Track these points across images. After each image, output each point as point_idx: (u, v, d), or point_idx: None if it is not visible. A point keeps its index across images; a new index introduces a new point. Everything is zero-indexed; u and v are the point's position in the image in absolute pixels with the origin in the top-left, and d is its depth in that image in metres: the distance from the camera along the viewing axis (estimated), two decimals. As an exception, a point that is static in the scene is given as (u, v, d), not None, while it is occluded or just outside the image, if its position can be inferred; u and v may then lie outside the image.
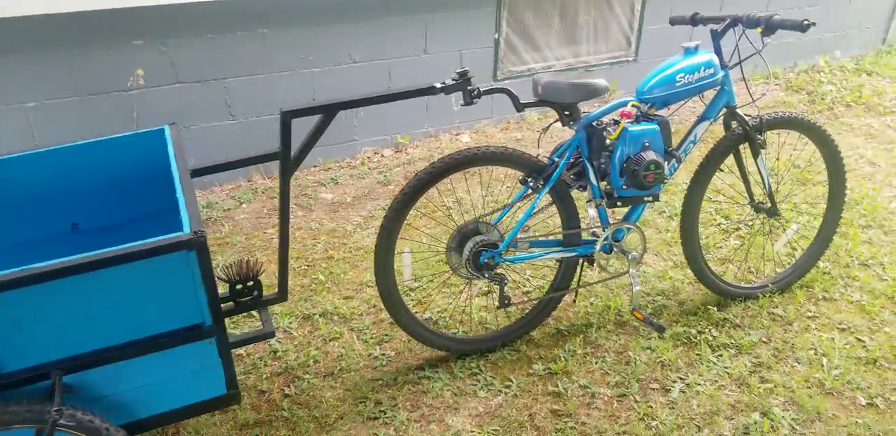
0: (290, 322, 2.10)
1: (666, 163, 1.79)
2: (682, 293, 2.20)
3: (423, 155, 3.26)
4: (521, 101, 1.69)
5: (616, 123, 1.74)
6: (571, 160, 1.80)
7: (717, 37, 1.80)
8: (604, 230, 1.86)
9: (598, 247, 1.86)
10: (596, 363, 1.89)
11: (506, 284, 1.83)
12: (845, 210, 2.64)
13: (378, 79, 3.18)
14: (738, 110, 1.88)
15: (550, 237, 1.92)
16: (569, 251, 1.87)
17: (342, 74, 3.08)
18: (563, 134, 3.36)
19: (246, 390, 1.82)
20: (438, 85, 1.59)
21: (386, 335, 2.03)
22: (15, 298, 1.15)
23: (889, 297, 2.16)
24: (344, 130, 3.20)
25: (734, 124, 1.90)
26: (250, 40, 2.84)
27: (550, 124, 1.89)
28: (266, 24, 2.84)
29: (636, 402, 1.75)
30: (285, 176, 1.58)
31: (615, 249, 1.90)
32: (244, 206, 2.87)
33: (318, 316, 2.13)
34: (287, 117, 1.51)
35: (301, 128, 1.56)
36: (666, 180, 1.83)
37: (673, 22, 1.92)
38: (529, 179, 1.78)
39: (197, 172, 1.62)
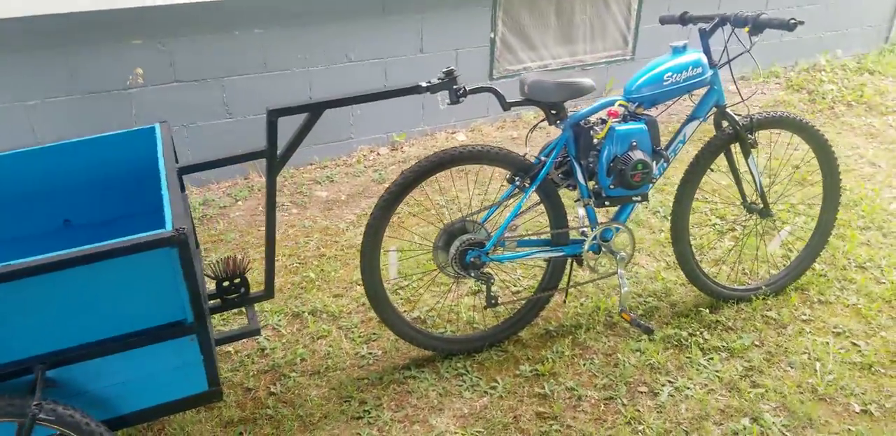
0: (280, 320, 2.10)
1: (654, 162, 1.78)
2: (674, 295, 2.19)
3: (419, 153, 3.27)
4: (508, 101, 1.69)
5: (603, 122, 1.73)
6: (559, 159, 1.80)
7: (705, 36, 1.78)
8: (592, 230, 1.85)
9: (586, 247, 1.85)
10: (584, 365, 1.88)
11: (492, 284, 1.82)
12: (844, 211, 2.61)
13: (375, 78, 3.19)
14: (729, 109, 1.87)
15: (538, 237, 1.91)
16: (556, 251, 1.87)
17: (339, 74, 3.09)
18: (556, 133, 3.35)
19: (232, 387, 1.83)
20: (424, 84, 1.59)
21: (374, 334, 2.03)
22: (-3, 294, 1.16)
23: (886, 300, 2.13)
24: (340, 128, 3.21)
25: (725, 124, 1.89)
26: (248, 40, 2.85)
27: (537, 124, 1.89)
28: (263, 24, 2.86)
29: (623, 405, 1.74)
30: (271, 174, 1.59)
31: (604, 249, 1.89)
32: (240, 203, 2.89)
33: (307, 314, 2.13)
34: (273, 116, 1.52)
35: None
36: (654, 180, 1.82)
37: (663, 21, 1.91)
38: (516, 178, 1.77)
39: (185, 170, 1.63)
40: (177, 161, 1.66)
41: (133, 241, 1.21)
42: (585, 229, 1.85)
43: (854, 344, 1.95)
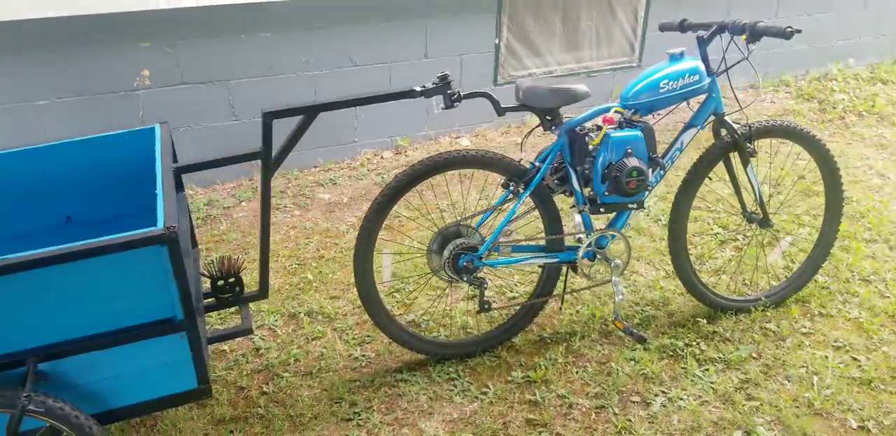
0: (276, 320, 2.12)
1: (650, 170, 1.77)
2: (672, 304, 2.17)
3: (423, 157, 3.27)
4: (502, 106, 1.69)
5: (599, 128, 1.73)
6: (555, 165, 1.79)
7: (703, 43, 1.78)
8: (587, 237, 1.84)
9: (580, 254, 1.84)
10: (577, 373, 1.86)
11: (486, 289, 1.82)
12: (850, 223, 2.57)
13: (379, 82, 3.21)
14: (727, 118, 1.85)
15: (533, 242, 1.91)
16: (551, 257, 1.86)
17: (343, 77, 3.11)
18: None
19: (225, 385, 1.84)
20: (418, 88, 1.60)
21: (368, 336, 2.04)
22: (-8, 288, 1.19)
23: (890, 315, 2.08)
24: (345, 131, 3.23)
25: (723, 132, 1.88)
26: (253, 43, 2.89)
27: (532, 129, 1.89)
28: (268, 28, 2.90)
29: (615, 414, 1.72)
30: (266, 175, 1.61)
31: (599, 256, 1.88)
32: (244, 204, 2.92)
33: (303, 315, 2.14)
34: (268, 118, 1.54)
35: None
36: (650, 188, 1.81)
37: (662, 28, 1.90)
38: (511, 184, 1.77)
39: (182, 170, 1.66)
40: (176, 161, 1.68)
41: (124, 238, 1.24)
42: (581, 236, 1.85)
43: (854, 358, 1.91)
